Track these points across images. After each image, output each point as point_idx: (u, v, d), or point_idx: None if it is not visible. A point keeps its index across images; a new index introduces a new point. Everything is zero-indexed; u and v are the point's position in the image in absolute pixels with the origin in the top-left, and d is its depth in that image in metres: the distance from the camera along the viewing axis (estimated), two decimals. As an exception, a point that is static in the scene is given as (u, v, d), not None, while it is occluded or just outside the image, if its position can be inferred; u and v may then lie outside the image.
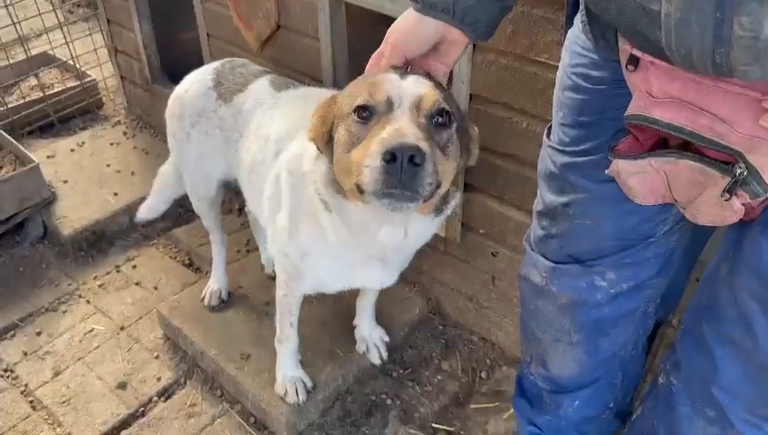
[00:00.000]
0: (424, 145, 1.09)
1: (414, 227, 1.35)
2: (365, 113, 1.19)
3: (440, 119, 1.19)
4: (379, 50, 1.26)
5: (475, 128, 1.36)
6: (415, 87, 1.19)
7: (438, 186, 1.17)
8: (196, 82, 2.01)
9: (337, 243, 1.47)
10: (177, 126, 2.04)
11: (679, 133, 0.91)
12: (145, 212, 2.37)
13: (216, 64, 2.05)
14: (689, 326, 1.21)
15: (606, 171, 1.09)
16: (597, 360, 1.42)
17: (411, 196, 1.10)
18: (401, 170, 1.06)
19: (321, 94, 1.78)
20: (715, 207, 0.97)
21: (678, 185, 1.00)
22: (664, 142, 1.01)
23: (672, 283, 1.38)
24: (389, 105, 1.17)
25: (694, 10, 0.75)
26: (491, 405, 2.11)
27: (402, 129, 1.11)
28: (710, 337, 1.13)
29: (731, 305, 1.07)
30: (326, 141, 1.30)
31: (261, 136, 1.79)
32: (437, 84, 1.23)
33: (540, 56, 1.62)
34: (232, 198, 2.81)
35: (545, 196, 1.32)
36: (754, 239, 1.01)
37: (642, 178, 1.04)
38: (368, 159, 1.10)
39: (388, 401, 2.11)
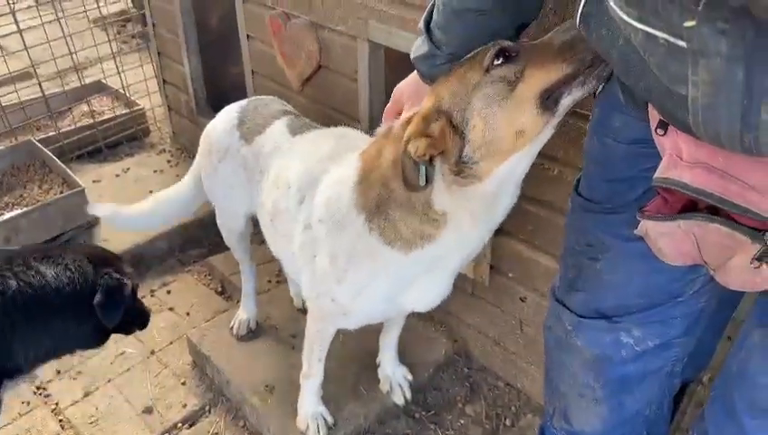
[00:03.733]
0: None
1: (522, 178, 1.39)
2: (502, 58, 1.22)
3: None
4: (387, 106, 1.55)
5: None
6: None
7: None
8: (222, 120, 2.07)
9: (416, 264, 1.49)
10: (206, 161, 2.10)
11: (709, 199, 0.89)
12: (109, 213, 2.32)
13: (243, 103, 2.11)
14: (719, 394, 1.17)
15: (635, 232, 1.08)
16: (620, 417, 1.39)
17: None
18: None
19: (330, 135, 1.83)
20: (745, 273, 0.94)
21: (708, 248, 0.98)
22: (693, 204, 0.99)
23: (701, 342, 1.34)
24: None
25: (721, 96, 0.74)
26: (514, 454, 2.08)
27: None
28: (740, 407, 1.09)
29: (764, 373, 1.04)
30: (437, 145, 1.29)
31: (281, 183, 1.80)
32: None
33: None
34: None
35: (571, 249, 1.31)
36: None
37: (671, 239, 1.02)
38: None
39: (410, 443, 2.09)
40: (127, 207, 2.31)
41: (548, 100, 1.18)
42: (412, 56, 1.39)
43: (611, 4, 0.82)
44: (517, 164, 1.30)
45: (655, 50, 0.78)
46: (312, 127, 1.93)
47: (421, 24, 1.35)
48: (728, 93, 0.73)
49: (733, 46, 0.69)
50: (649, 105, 1.01)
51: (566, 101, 1.19)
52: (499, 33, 1.26)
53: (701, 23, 0.69)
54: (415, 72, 1.47)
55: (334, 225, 1.55)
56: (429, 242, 1.43)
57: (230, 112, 2.07)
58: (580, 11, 0.96)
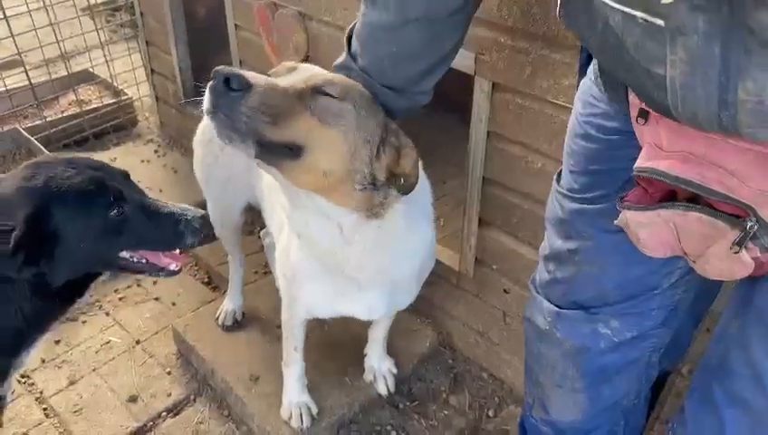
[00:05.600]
0: (255, 80, 1.13)
1: (349, 228, 1.34)
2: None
3: (325, 96, 1.20)
4: None
5: (412, 147, 1.32)
6: (317, 69, 1.30)
7: (297, 149, 1.18)
8: None
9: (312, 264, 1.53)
10: (206, 151, 2.09)
11: (689, 187, 0.91)
12: None
13: None
14: (698, 386, 1.19)
15: (615, 222, 1.09)
16: (599, 407, 1.41)
17: (225, 120, 1.12)
18: (215, 89, 1.11)
19: None
20: (724, 261, 0.95)
21: (688, 237, 0.99)
22: (673, 195, 1.01)
23: (678, 333, 1.36)
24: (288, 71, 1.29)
25: (698, 75, 0.75)
26: (496, 444, 2.09)
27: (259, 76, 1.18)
28: (719, 397, 1.11)
29: (743, 364, 1.05)
30: None
31: None
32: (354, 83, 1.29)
33: (557, 99, 1.65)
34: (254, 219, 2.86)
35: (552, 240, 1.33)
36: (766, 294, 1.00)
37: (652, 230, 1.03)
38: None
39: (393, 433, 2.10)
40: None
41: None
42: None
43: None
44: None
45: (633, 30, 0.79)
46: None
47: (346, 33, 1.35)
48: (705, 71, 0.74)
49: (709, 22, 0.70)
50: (629, 95, 1.01)
51: None
52: (413, 56, 1.26)
53: (678, 0, 0.70)
54: None
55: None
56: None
57: None
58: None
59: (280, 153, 1.18)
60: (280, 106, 1.14)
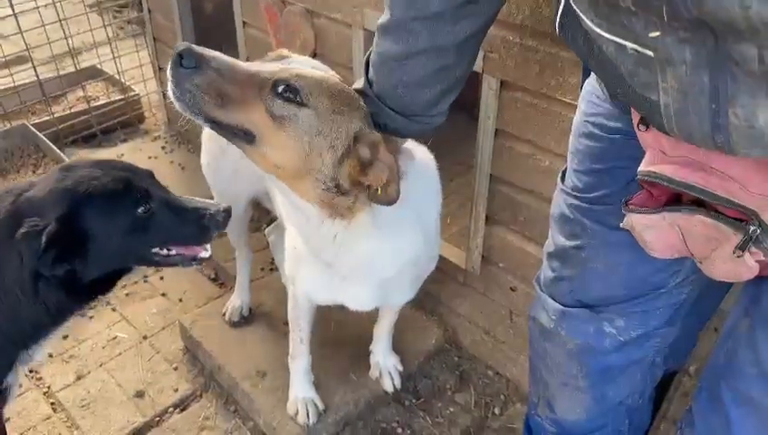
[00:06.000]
0: (214, 60, 1.15)
1: (314, 218, 1.34)
2: None
3: (285, 92, 1.19)
4: None
5: (389, 165, 1.25)
6: (310, 62, 1.30)
7: (250, 136, 1.20)
8: None
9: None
10: (214, 143, 2.10)
11: (692, 191, 0.92)
12: None
13: None
14: (705, 385, 1.19)
15: (620, 225, 1.10)
16: (603, 407, 1.41)
17: (173, 90, 1.15)
18: (173, 61, 1.14)
19: None
20: (728, 264, 0.96)
21: (693, 240, 1.00)
22: (678, 198, 1.01)
23: (682, 333, 1.36)
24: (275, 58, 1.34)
25: (690, 102, 0.77)
26: (502, 442, 2.10)
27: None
28: (726, 396, 1.11)
29: (751, 363, 1.05)
30: None
31: None
32: (342, 88, 1.28)
33: (566, 97, 1.64)
34: (260, 216, 2.87)
35: (557, 238, 1.33)
36: None
37: (658, 232, 1.03)
38: None
39: (399, 430, 2.11)
40: None
41: None
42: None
43: (583, 17, 0.84)
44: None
45: (625, 59, 0.81)
46: None
47: (364, 58, 1.37)
48: (696, 99, 0.76)
49: (696, 54, 0.72)
50: None
51: None
52: (424, 84, 1.27)
53: (665, 33, 0.72)
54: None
55: None
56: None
57: None
58: (557, 22, 0.98)
59: (233, 134, 1.20)
60: (232, 90, 1.15)
